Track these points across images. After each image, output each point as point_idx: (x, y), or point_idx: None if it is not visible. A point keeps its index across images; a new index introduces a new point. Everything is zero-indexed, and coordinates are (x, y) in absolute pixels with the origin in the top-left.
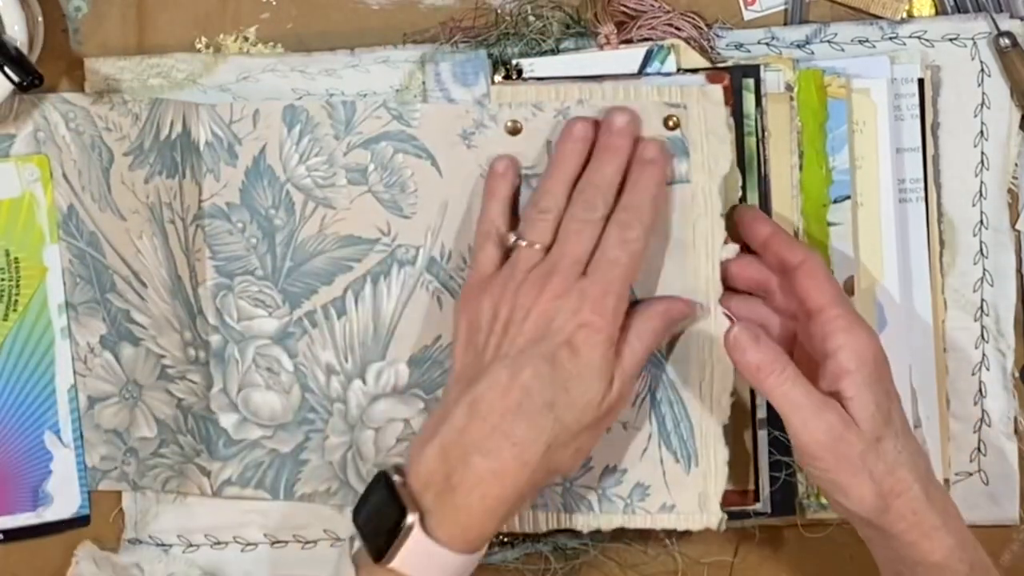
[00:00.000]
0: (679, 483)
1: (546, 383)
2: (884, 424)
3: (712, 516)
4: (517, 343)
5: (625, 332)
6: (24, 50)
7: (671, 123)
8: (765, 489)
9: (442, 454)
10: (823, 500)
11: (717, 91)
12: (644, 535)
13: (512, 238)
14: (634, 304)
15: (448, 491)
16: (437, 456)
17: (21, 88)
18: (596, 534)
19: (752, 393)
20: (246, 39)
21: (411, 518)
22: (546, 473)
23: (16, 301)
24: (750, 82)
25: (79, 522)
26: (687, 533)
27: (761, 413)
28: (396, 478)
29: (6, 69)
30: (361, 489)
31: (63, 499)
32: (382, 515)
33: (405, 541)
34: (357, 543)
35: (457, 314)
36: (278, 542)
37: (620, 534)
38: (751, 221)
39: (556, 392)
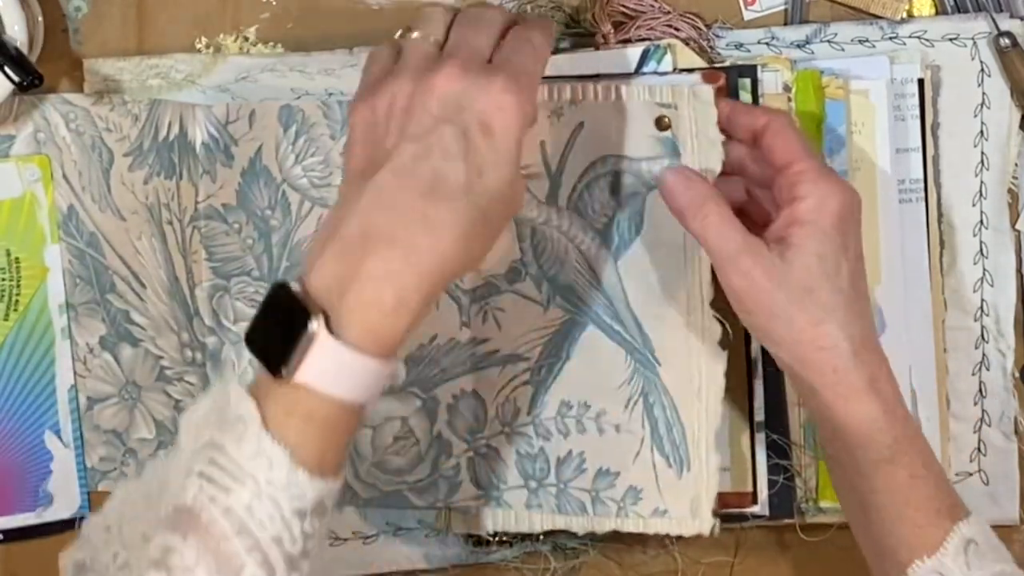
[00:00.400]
0: (671, 488)
1: (459, 165)
2: (823, 277)
3: (704, 522)
4: (423, 123)
5: None
6: (24, 50)
7: (663, 123)
8: (763, 492)
9: (345, 250)
10: (822, 504)
11: (707, 91)
12: (643, 535)
13: (401, 32)
14: None
15: (355, 288)
16: (339, 253)
17: (21, 88)
18: (591, 534)
19: (751, 396)
20: (246, 39)
21: (315, 321)
22: (460, 265)
23: (17, 301)
24: (746, 82)
25: (79, 522)
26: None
27: (759, 416)
28: (294, 285)
29: (6, 69)
30: (360, 489)
31: (63, 499)
32: (281, 325)
33: (310, 347)
34: (248, 376)
35: (350, 117)
36: None
37: (619, 534)
38: None
39: (471, 175)
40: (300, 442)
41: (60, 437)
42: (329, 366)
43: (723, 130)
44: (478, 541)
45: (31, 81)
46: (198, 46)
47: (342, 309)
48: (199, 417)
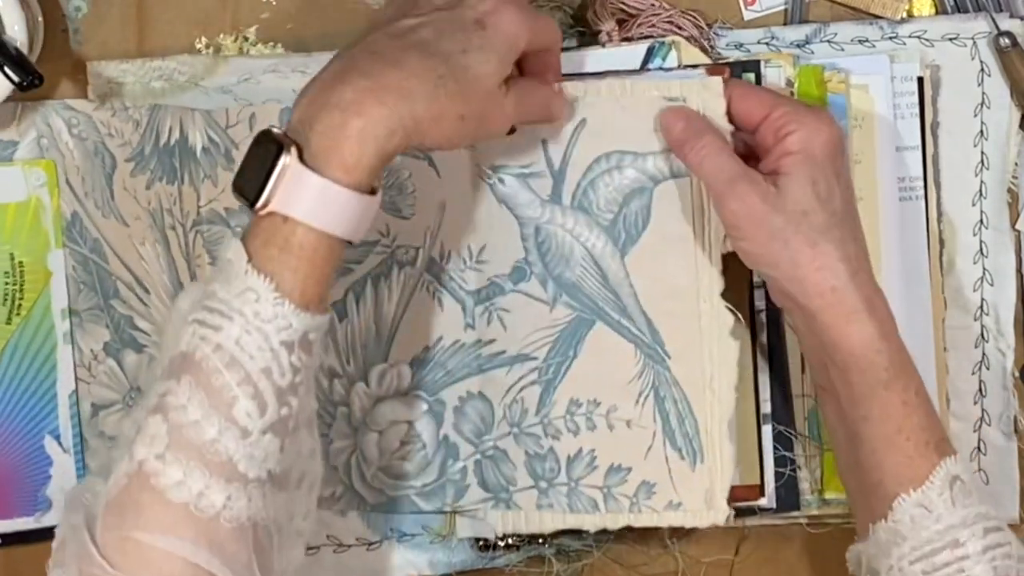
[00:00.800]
0: (685, 480)
1: (446, 38)
2: (816, 200)
3: (719, 512)
4: (423, 8)
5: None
6: (24, 50)
7: None
8: (770, 484)
9: (323, 85)
10: (826, 496)
11: (717, 83)
12: (646, 535)
13: None
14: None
15: (323, 115)
16: (318, 88)
17: (21, 88)
18: (598, 535)
19: (757, 388)
20: (246, 39)
21: (287, 152)
22: (426, 118)
23: (20, 305)
24: (750, 76)
25: None
26: (688, 533)
27: (766, 408)
28: (275, 127)
29: (6, 69)
30: (367, 495)
31: (62, 504)
32: (260, 160)
33: (283, 176)
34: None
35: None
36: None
37: (622, 534)
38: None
39: (453, 48)
40: (279, 270)
41: (60, 442)
42: (300, 193)
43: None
44: (485, 545)
45: (31, 81)
46: (198, 46)
47: (311, 137)
48: (191, 290)
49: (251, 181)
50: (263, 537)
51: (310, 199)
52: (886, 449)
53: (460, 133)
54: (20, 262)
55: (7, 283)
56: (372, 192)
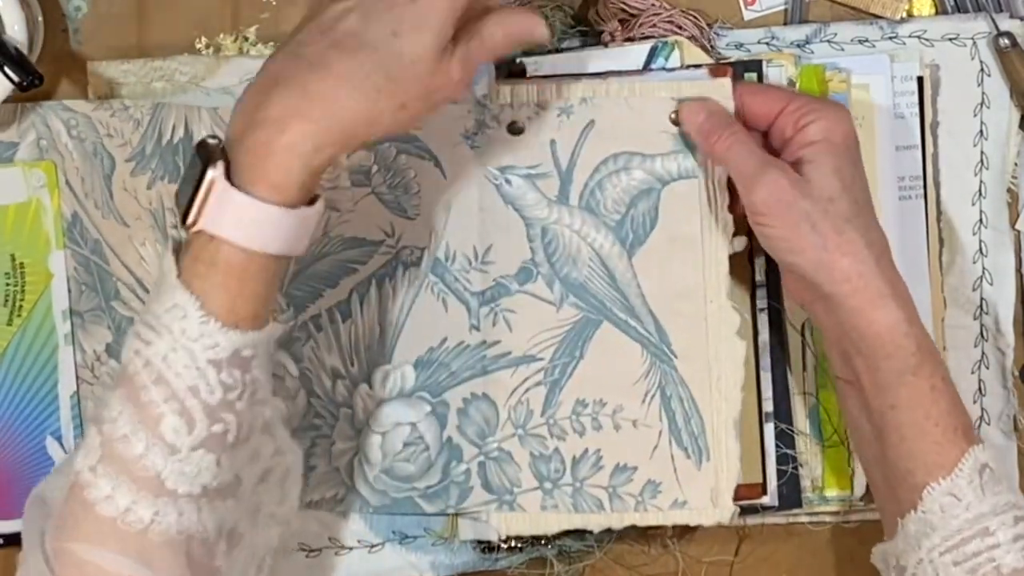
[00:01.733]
0: (691, 479)
1: (373, 24)
2: (841, 188)
3: (724, 511)
4: None
5: (491, 21)
6: (24, 50)
7: (678, 118)
8: (772, 482)
9: (251, 98)
10: (826, 493)
11: (726, 85)
12: (647, 535)
13: None
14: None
15: (250, 132)
16: (247, 100)
17: (21, 88)
18: (600, 535)
19: (759, 386)
20: (246, 39)
21: (212, 168)
22: (362, 121)
23: (21, 306)
24: (752, 76)
25: None
26: (689, 532)
27: (768, 407)
28: (211, 139)
29: (6, 69)
30: (370, 497)
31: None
32: (190, 175)
33: (209, 193)
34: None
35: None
36: (282, 551)
37: (624, 535)
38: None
39: (382, 33)
40: (207, 289)
41: (61, 443)
42: (226, 211)
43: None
44: (487, 547)
45: (31, 81)
46: (198, 46)
47: (239, 154)
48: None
49: (182, 195)
50: (198, 549)
51: (235, 218)
52: (915, 436)
53: (403, 122)
54: (21, 263)
55: (8, 284)
56: (310, 203)
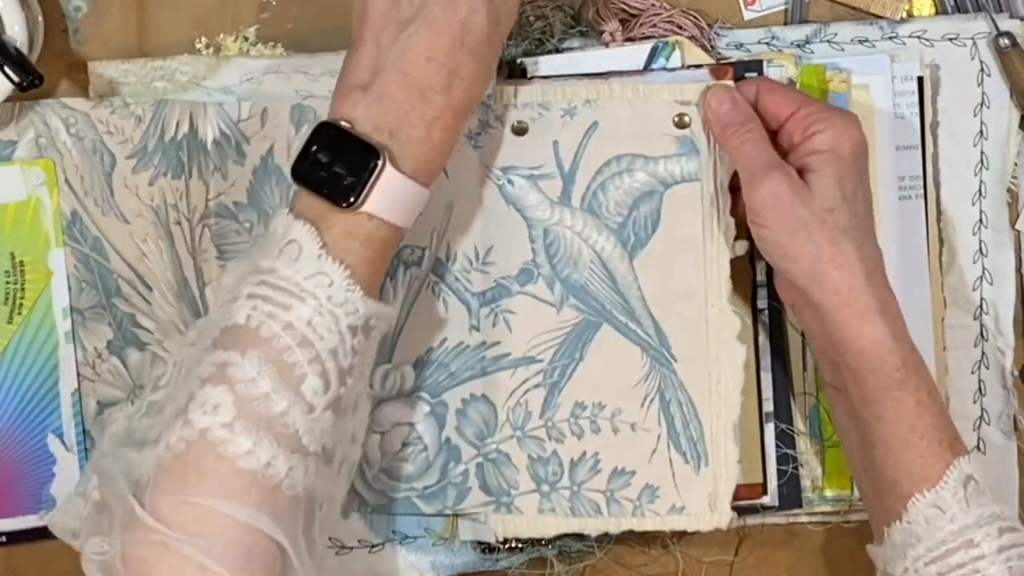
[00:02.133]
0: (689, 484)
1: (482, 15)
2: (842, 199)
3: (722, 516)
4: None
5: None
6: (24, 50)
7: (682, 121)
8: (772, 482)
9: (388, 95)
10: (827, 493)
11: (727, 86)
12: (647, 536)
13: None
14: None
15: (406, 128)
16: (383, 98)
17: (21, 88)
18: (601, 536)
19: (759, 386)
20: (246, 39)
21: (383, 156)
22: (482, 93)
23: (21, 304)
24: (753, 76)
25: None
26: (689, 533)
27: (768, 407)
28: (345, 124)
29: (6, 69)
30: (368, 496)
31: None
32: (344, 159)
33: (379, 180)
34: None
35: None
36: None
37: (624, 536)
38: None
39: (491, 25)
40: (356, 262)
41: (63, 440)
42: (392, 195)
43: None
44: (487, 548)
45: (31, 81)
46: (198, 46)
47: (396, 147)
48: (237, 266)
49: (339, 179)
50: (313, 509)
51: (397, 200)
52: (900, 449)
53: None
54: (20, 261)
55: (8, 282)
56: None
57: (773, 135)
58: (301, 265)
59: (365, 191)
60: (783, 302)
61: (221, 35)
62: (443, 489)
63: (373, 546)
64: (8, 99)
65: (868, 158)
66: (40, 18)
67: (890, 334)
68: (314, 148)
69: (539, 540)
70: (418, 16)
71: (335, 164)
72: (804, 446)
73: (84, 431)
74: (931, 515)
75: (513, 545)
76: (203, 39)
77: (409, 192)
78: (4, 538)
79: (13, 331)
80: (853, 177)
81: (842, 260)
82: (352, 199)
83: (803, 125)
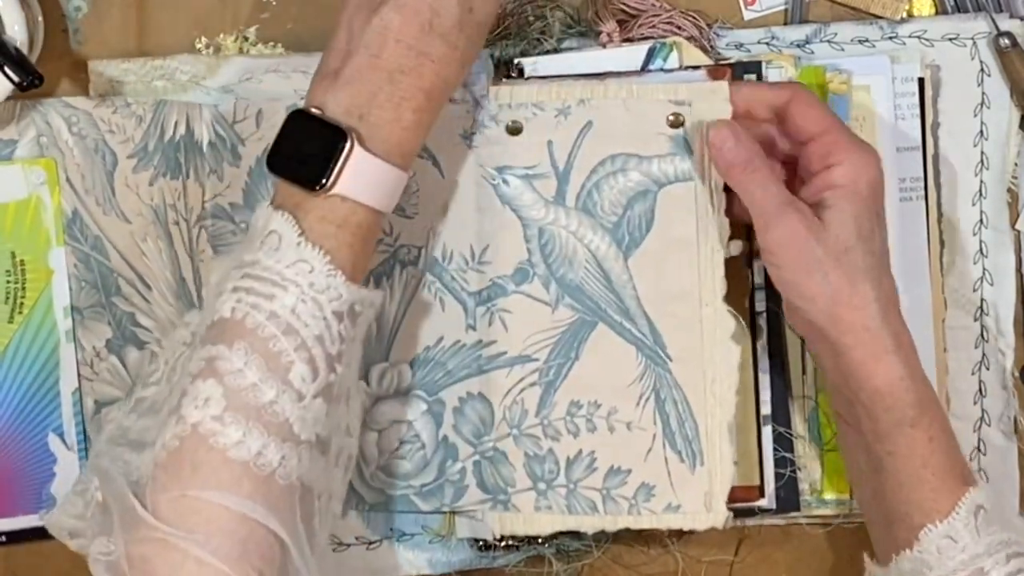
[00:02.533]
0: (684, 483)
1: (452, 1)
2: (858, 238)
3: (718, 515)
4: None
5: None
6: (24, 50)
7: (676, 121)
8: (770, 485)
9: (358, 79)
10: (825, 496)
11: (723, 88)
12: (645, 535)
13: None
14: None
15: (375, 111)
16: (353, 82)
17: (21, 88)
18: (598, 535)
19: (756, 389)
20: (246, 39)
21: (351, 138)
22: (459, 77)
23: (22, 303)
24: (751, 77)
25: None
26: (688, 533)
27: (765, 409)
28: (314, 111)
29: (6, 69)
30: (365, 494)
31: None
32: (314, 144)
33: (348, 161)
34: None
35: None
36: None
37: (622, 535)
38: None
39: (463, 12)
40: (335, 247)
41: (64, 440)
42: (363, 176)
43: (745, 113)
44: (484, 545)
45: (31, 81)
46: (198, 46)
47: (366, 128)
48: (223, 262)
49: (309, 164)
50: (309, 499)
51: (370, 182)
52: (912, 484)
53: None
54: (21, 260)
55: (9, 282)
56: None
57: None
58: (282, 254)
59: (335, 173)
60: (795, 331)
61: (221, 35)
62: (440, 487)
63: (371, 543)
64: (8, 99)
65: (884, 195)
66: (40, 18)
67: (905, 372)
68: (285, 137)
69: (536, 538)
70: (388, 0)
71: (305, 150)
72: (803, 449)
73: (85, 430)
74: (943, 545)
75: (510, 543)
76: (203, 39)
77: (381, 173)
78: (4, 538)
79: (14, 330)
80: (870, 214)
81: (858, 301)
82: (324, 181)
83: (823, 152)
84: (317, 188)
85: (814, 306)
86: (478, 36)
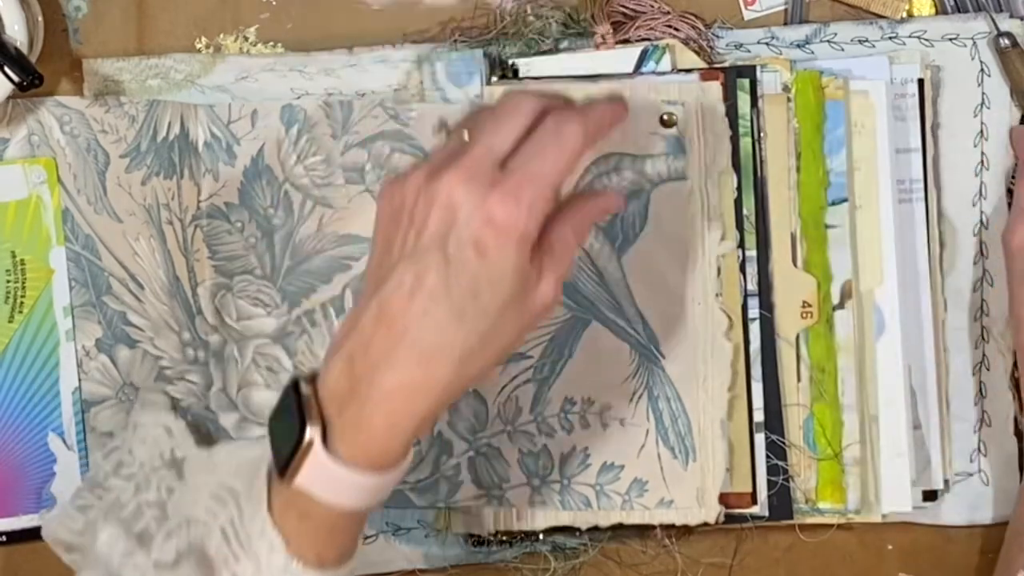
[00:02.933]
0: (677, 478)
1: (453, 289)
2: None
3: (710, 510)
4: (423, 239)
5: (558, 222)
6: (24, 50)
7: (667, 121)
8: (762, 493)
9: (348, 364)
10: (820, 505)
11: (715, 88)
12: (643, 534)
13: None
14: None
15: (352, 405)
16: (344, 366)
17: (21, 88)
18: (595, 533)
19: (749, 396)
20: (246, 39)
21: (310, 432)
22: (463, 383)
23: (22, 303)
24: (745, 82)
25: None
26: (687, 532)
27: (758, 416)
28: (305, 387)
29: (6, 69)
30: None
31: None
32: (287, 427)
33: (306, 457)
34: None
35: (379, 201)
36: None
37: (619, 533)
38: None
39: (464, 300)
40: (296, 536)
41: (64, 439)
42: (322, 477)
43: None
44: (478, 541)
45: (31, 81)
46: (198, 46)
47: (338, 424)
48: (243, 458)
49: (281, 445)
50: None
51: (331, 484)
52: None
53: (501, 359)
54: (22, 260)
55: (9, 281)
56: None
57: None
58: (256, 520)
59: (293, 467)
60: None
61: (221, 35)
62: (435, 482)
63: (367, 537)
64: (8, 99)
65: None
66: (40, 18)
67: None
68: (281, 400)
69: (531, 534)
70: (394, 270)
71: (284, 424)
72: (797, 458)
73: (84, 430)
74: None
75: (503, 539)
76: (203, 39)
77: (345, 479)
78: (4, 538)
79: (14, 330)
80: None
81: None
82: (283, 472)
83: None
84: (280, 475)
85: None
86: (492, 328)
